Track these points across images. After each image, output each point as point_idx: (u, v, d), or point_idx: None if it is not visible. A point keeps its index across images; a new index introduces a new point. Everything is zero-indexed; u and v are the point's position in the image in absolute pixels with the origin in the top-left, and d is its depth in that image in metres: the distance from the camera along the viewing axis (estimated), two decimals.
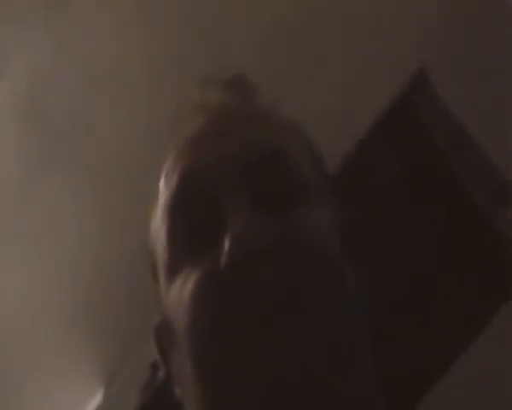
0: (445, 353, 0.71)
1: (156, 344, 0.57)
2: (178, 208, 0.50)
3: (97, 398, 1.67)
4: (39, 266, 1.70)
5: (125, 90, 1.58)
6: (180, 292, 0.48)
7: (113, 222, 1.63)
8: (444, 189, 0.69)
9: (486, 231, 0.69)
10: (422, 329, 0.70)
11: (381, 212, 0.69)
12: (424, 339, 0.70)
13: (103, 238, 1.66)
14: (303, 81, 1.52)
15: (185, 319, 0.48)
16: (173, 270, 0.50)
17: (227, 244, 0.45)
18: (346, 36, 1.52)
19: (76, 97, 1.59)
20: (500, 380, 0.94)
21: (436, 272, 0.70)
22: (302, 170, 0.52)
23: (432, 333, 0.70)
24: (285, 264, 0.46)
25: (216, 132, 0.52)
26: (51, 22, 1.53)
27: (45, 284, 1.71)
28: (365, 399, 0.47)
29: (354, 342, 0.47)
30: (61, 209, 1.67)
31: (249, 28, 1.54)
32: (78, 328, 1.72)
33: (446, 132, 0.69)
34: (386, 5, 1.47)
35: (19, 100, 1.58)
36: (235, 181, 0.49)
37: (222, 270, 0.45)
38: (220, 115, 0.53)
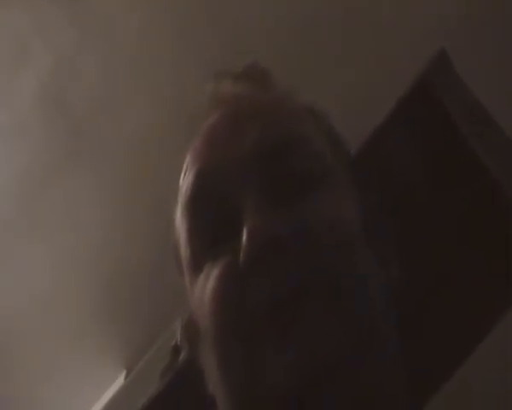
0: (467, 341, 0.70)
1: (185, 337, 0.58)
2: (195, 208, 0.51)
3: (119, 381, 1.69)
4: (64, 253, 1.72)
5: (147, 77, 1.58)
6: (202, 291, 0.49)
7: (136, 210, 1.64)
8: (466, 173, 0.68)
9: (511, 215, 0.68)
10: (445, 319, 0.70)
11: (402, 197, 0.69)
12: (446, 329, 0.70)
13: (127, 225, 1.67)
14: (322, 72, 1.53)
15: (208, 320, 0.48)
16: (195, 266, 0.51)
17: (244, 240, 0.45)
18: (370, 21, 1.51)
19: (99, 85, 1.60)
20: None
21: (459, 258, 0.70)
22: (318, 157, 0.51)
23: (455, 323, 0.70)
24: (304, 257, 0.45)
25: (228, 131, 0.52)
26: (74, 10, 1.54)
27: (70, 270, 1.73)
28: (388, 389, 0.47)
29: (376, 330, 0.47)
30: (85, 197, 1.69)
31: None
32: (102, 312, 1.74)
33: (468, 115, 0.68)
34: None
35: (43, 88, 1.59)
36: (248, 178, 0.49)
37: (240, 266, 0.46)
38: (233, 112, 0.54)
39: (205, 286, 0.48)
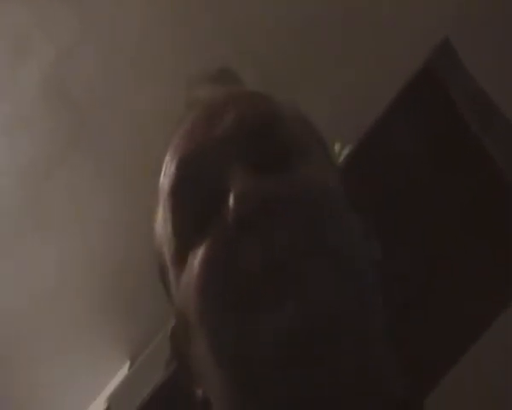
0: (471, 329, 0.70)
1: (172, 348, 0.57)
2: (180, 198, 0.51)
3: (123, 371, 1.68)
4: (69, 244, 1.72)
5: (149, 67, 1.58)
6: (189, 272, 0.48)
7: (138, 204, 1.63)
8: (471, 162, 0.69)
9: None
10: (446, 308, 0.70)
11: (407, 186, 0.69)
12: (448, 319, 0.70)
13: (129, 220, 1.67)
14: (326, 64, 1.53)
15: (197, 294, 0.46)
16: (181, 258, 0.50)
17: (231, 203, 0.45)
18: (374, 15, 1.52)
19: (101, 75, 1.60)
20: None
21: (464, 247, 0.70)
22: (296, 136, 0.52)
23: (456, 313, 0.70)
24: (293, 217, 0.45)
25: (205, 121, 0.52)
26: (75, 1, 1.54)
27: (74, 261, 1.72)
28: (377, 368, 0.46)
29: (365, 302, 0.46)
30: (88, 191, 1.69)
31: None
32: (105, 303, 1.73)
33: (472, 103, 0.69)
34: None
35: (45, 79, 1.59)
36: (230, 153, 0.49)
37: (229, 231, 0.45)
38: (208, 106, 0.54)
39: (192, 268, 0.47)
